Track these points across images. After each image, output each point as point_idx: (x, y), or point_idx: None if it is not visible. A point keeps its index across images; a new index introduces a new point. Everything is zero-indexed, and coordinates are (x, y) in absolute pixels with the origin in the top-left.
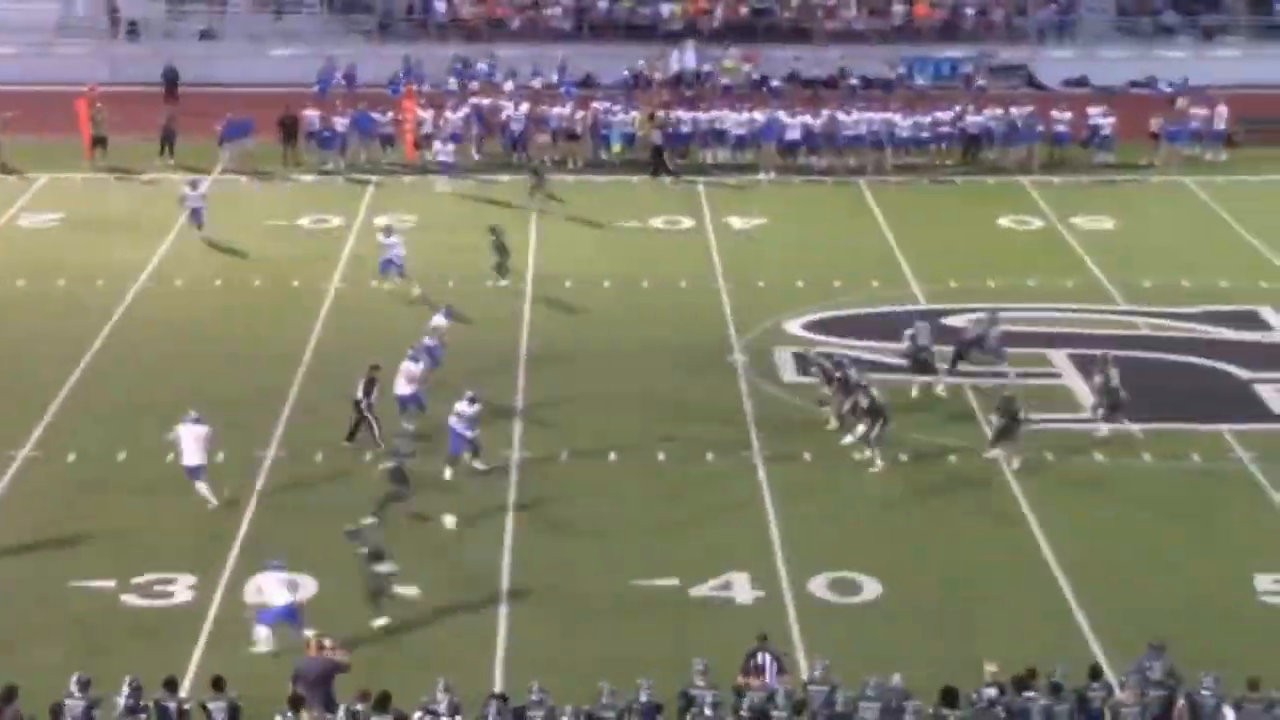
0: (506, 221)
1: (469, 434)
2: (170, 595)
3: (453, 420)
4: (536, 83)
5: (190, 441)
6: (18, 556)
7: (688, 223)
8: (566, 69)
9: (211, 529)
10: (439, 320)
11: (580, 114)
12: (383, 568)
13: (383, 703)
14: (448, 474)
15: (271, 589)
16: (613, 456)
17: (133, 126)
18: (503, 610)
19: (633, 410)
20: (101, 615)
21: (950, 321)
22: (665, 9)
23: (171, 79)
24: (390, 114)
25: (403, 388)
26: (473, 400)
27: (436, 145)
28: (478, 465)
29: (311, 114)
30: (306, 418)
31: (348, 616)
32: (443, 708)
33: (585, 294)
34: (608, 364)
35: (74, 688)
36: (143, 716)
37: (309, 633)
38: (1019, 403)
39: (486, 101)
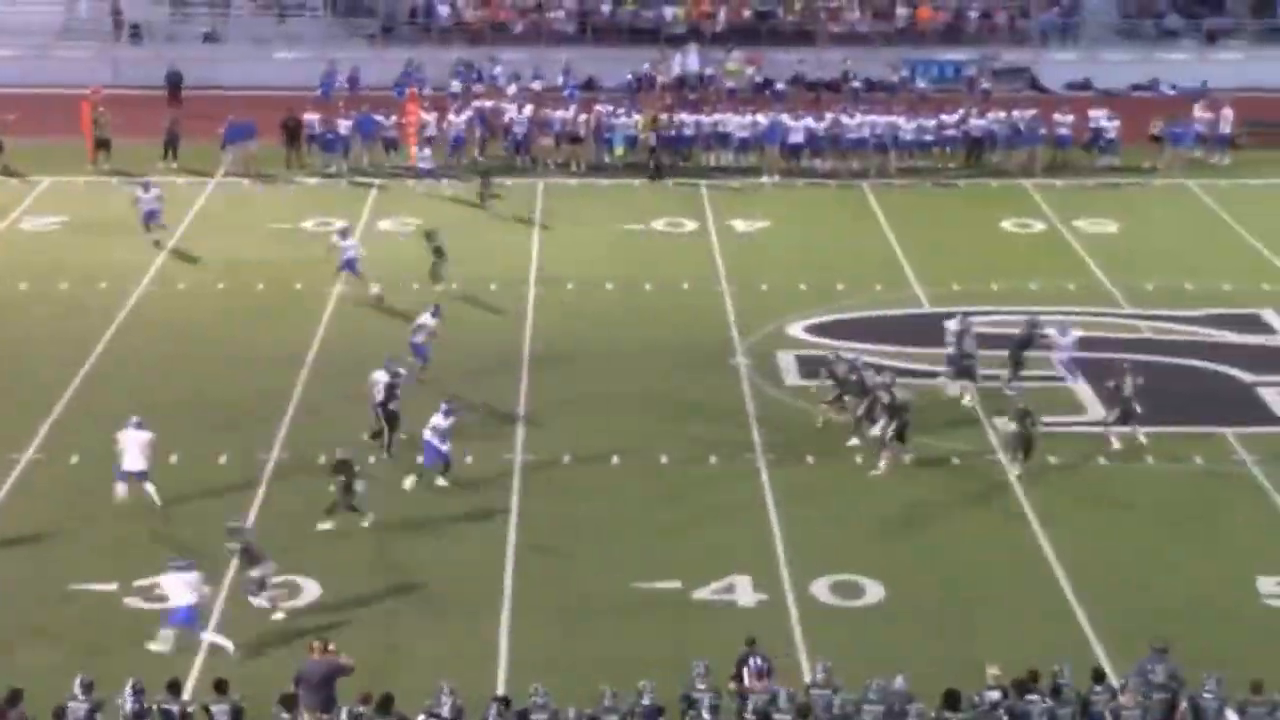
0: (508, 224)
1: (444, 447)
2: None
3: (428, 433)
4: (539, 86)
5: (134, 446)
6: (19, 558)
7: (690, 225)
8: (570, 72)
9: (213, 532)
10: (426, 319)
11: (583, 117)
12: (256, 571)
13: (385, 705)
14: (408, 484)
15: (175, 590)
16: (615, 459)
17: (135, 129)
18: (505, 612)
19: (635, 412)
20: (103, 618)
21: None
22: (668, 12)
23: (175, 82)
24: (393, 117)
25: (380, 397)
26: (449, 412)
27: (415, 150)
28: (441, 482)
29: (314, 117)
30: (309, 419)
31: (351, 619)
32: (446, 710)
33: (588, 296)
34: (610, 366)
35: (77, 690)
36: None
37: (313, 641)
38: (1034, 414)
39: (489, 104)
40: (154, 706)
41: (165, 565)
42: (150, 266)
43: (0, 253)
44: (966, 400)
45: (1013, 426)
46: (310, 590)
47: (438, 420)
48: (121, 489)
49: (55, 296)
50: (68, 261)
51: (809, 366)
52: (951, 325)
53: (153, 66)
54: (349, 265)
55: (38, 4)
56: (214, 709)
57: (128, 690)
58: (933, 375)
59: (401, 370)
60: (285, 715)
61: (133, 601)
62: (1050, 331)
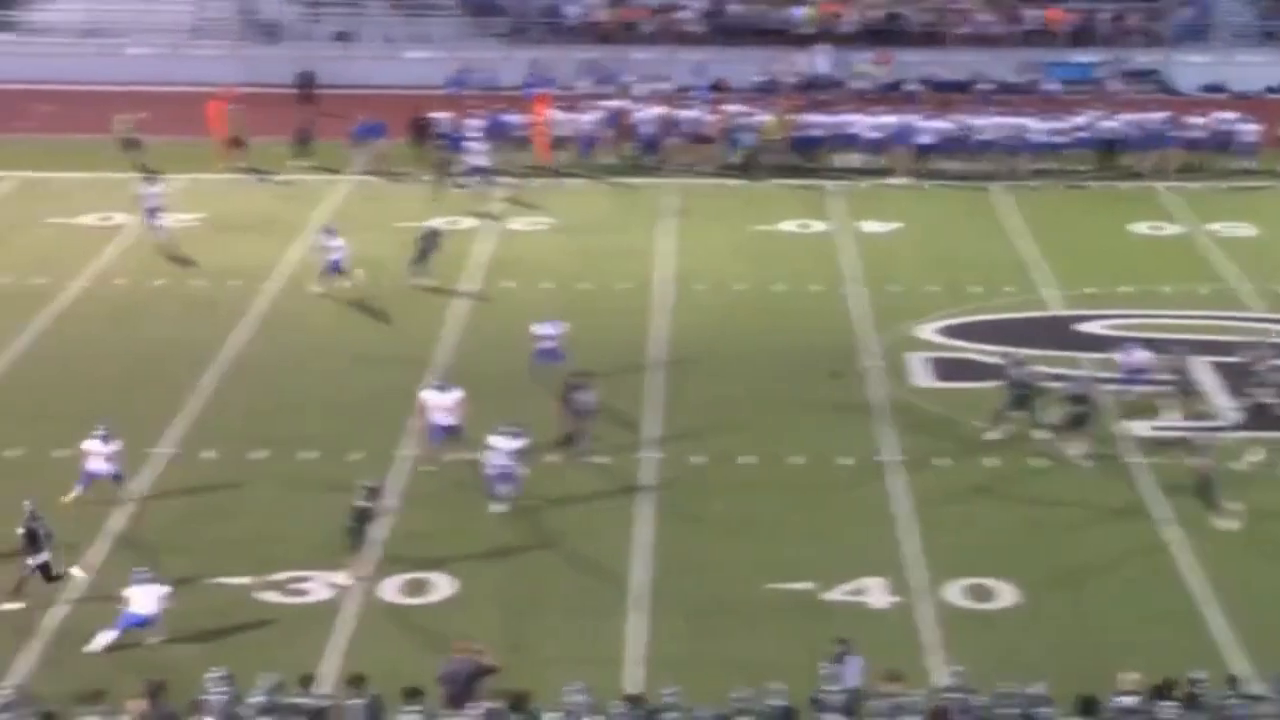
0: (637, 223)
1: (515, 469)
2: (307, 592)
3: (492, 455)
4: (668, 86)
5: (97, 454)
6: (155, 553)
7: (819, 226)
8: (699, 72)
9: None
10: (549, 329)
11: (712, 117)
12: (32, 559)
13: (520, 703)
14: (499, 508)
15: (139, 599)
16: (746, 459)
17: (267, 128)
18: (636, 612)
19: (765, 412)
20: (238, 611)
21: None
22: (798, 13)
23: (307, 81)
24: (524, 117)
25: (442, 418)
26: (516, 434)
27: (467, 146)
28: (498, 507)
29: (444, 116)
30: None
31: (492, 618)
32: (577, 709)
33: (718, 297)
34: (740, 366)
35: (215, 683)
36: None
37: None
38: (1093, 393)
39: (619, 105)
40: (289, 701)
41: (133, 577)
42: (281, 264)
43: (137, 249)
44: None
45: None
46: (442, 587)
47: (500, 441)
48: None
49: (190, 293)
50: (201, 258)
51: (944, 369)
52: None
53: (284, 65)
54: (334, 266)
55: (171, 3)
56: (349, 704)
57: (263, 684)
58: (1060, 378)
59: (584, 375)
60: (411, 709)
61: (266, 595)
62: (1116, 356)
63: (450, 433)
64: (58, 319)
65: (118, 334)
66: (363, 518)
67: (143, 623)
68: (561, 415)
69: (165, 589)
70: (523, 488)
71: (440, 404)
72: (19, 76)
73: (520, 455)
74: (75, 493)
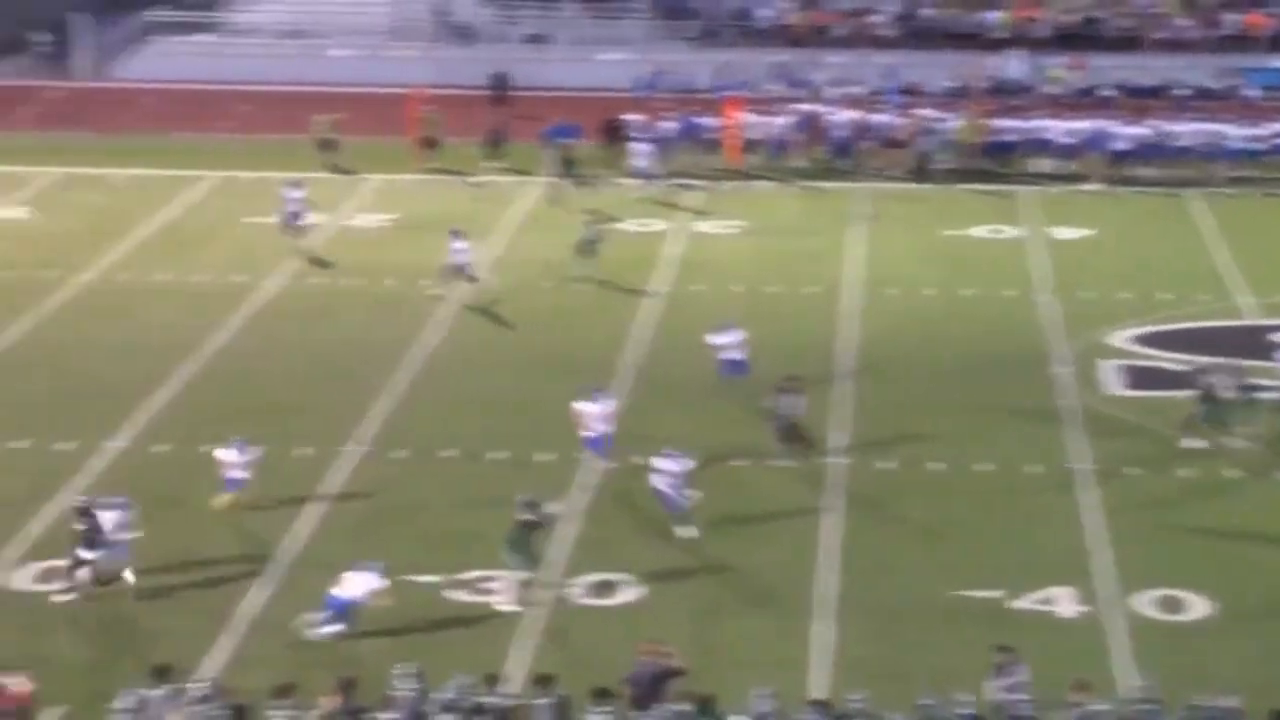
0: (826, 227)
1: (682, 495)
2: (495, 592)
3: (657, 479)
4: (861, 90)
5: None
6: (343, 548)
7: (1011, 232)
8: (890, 76)
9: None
10: (727, 338)
11: (903, 121)
12: (84, 552)
13: (706, 706)
14: (688, 532)
15: (351, 583)
16: (934, 465)
17: (460, 129)
18: (823, 617)
19: (954, 419)
20: (427, 609)
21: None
22: (991, 17)
23: (501, 83)
24: (715, 119)
25: (594, 428)
26: (678, 457)
27: (635, 148)
28: (685, 532)
29: (635, 118)
30: (629, 420)
31: (679, 621)
32: (763, 711)
33: (907, 302)
34: (929, 371)
35: (403, 679)
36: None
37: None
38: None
39: (811, 108)
40: (477, 699)
41: (362, 565)
42: (473, 264)
43: (331, 249)
44: None
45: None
46: (629, 589)
47: (665, 464)
48: None
49: (381, 293)
50: (394, 258)
51: (1137, 377)
52: None
53: (478, 67)
54: (458, 269)
55: (368, 4)
56: (537, 704)
57: (452, 682)
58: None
59: (795, 379)
60: (599, 709)
61: (455, 594)
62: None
63: (600, 444)
64: (253, 317)
65: (310, 332)
66: (527, 532)
67: (344, 607)
68: (770, 419)
69: (379, 583)
70: (689, 510)
71: (593, 414)
72: (220, 77)
73: (685, 478)
74: (225, 497)
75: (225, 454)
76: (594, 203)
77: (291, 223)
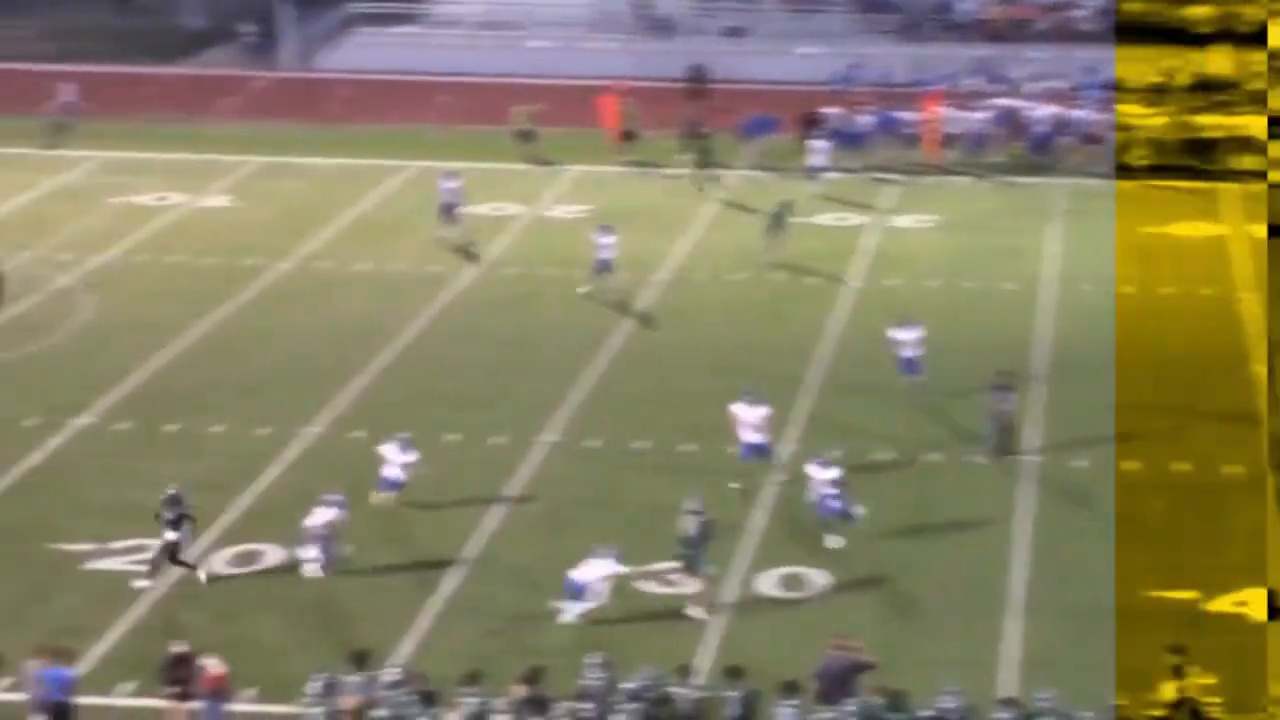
0: (1024, 222)
1: (837, 503)
2: (684, 584)
3: (810, 486)
4: (1062, 84)
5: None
6: (534, 538)
7: (1211, 229)
8: (1091, 71)
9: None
10: (907, 334)
11: (1102, 117)
12: (171, 535)
13: (897, 701)
14: (834, 542)
15: (587, 568)
16: (1128, 464)
17: (657, 121)
18: (1012, 615)
19: (1150, 418)
20: (616, 600)
21: None
22: (1196, 10)
23: (699, 75)
24: (914, 113)
25: (750, 435)
26: (826, 463)
27: (813, 144)
28: (831, 542)
29: (834, 112)
30: (823, 410)
31: (867, 616)
32: (952, 708)
33: (1104, 298)
34: (1125, 370)
35: (592, 669)
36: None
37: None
38: None
39: (1010, 103)
40: (662, 690)
41: (596, 550)
42: (669, 256)
43: (527, 239)
44: None
45: None
46: (815, 582)
47: (817, 470)
48: None
49: (577, 284)
50: (588, 251)
51: None
52: None
53: (676, 59)
54: (604, 265)
55: None
56: (725, 695)
57: (638, 675)
58: None
59: (1009, 375)
60: (788, 702)
61: (644, 585)
62: None
63: (758, 451)
64: (448, 306)
65: (503, 321)
66: (698, 540)
67: (578, 590)
68: (989, 416)
69: (616, 569)
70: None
71: (749, 419)
72: (420, 68)
73: (838, 485)
74: (382, 496)
75: (386, 449)
76: (787, 193)
77: (446, 215)
